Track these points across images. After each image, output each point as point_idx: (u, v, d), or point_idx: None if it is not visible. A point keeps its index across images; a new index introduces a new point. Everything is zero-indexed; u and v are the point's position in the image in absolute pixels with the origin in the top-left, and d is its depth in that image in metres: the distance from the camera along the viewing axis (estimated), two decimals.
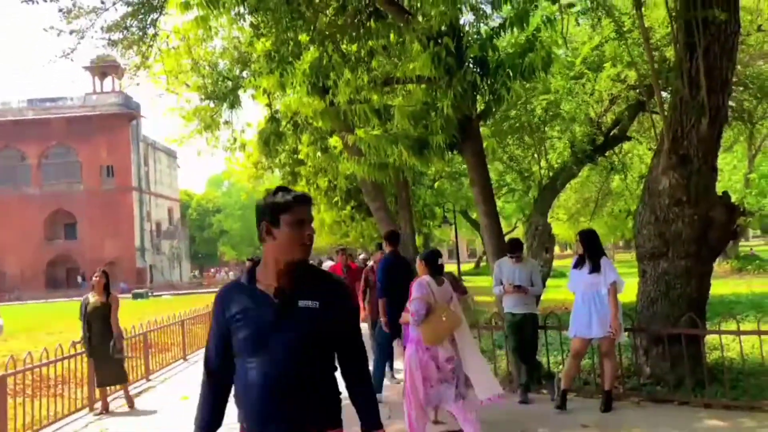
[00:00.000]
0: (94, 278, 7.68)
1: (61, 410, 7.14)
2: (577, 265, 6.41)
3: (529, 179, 15.62)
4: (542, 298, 9.68)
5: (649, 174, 7.21)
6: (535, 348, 7.06)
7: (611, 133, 12.98)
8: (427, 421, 5.17)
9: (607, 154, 14.02)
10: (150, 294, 40.59)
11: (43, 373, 7.13)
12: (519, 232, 25.66)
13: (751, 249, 39.06)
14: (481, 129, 11.35)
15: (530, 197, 16.13)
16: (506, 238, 9.20)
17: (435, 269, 5.19)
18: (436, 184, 25.29)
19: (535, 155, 14.42)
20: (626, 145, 15.49)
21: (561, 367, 7.02)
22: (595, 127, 12.89)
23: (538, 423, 5.88)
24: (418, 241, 27.14)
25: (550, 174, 13.88)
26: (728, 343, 8.09)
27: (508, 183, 18.26)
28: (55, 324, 17.69)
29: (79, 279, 51.74)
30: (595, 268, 6.18)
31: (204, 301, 17.03)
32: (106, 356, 7.37)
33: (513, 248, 6.99)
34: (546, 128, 14.22)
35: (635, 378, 6.79)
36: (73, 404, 7.43)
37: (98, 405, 7.59)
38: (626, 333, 6.48)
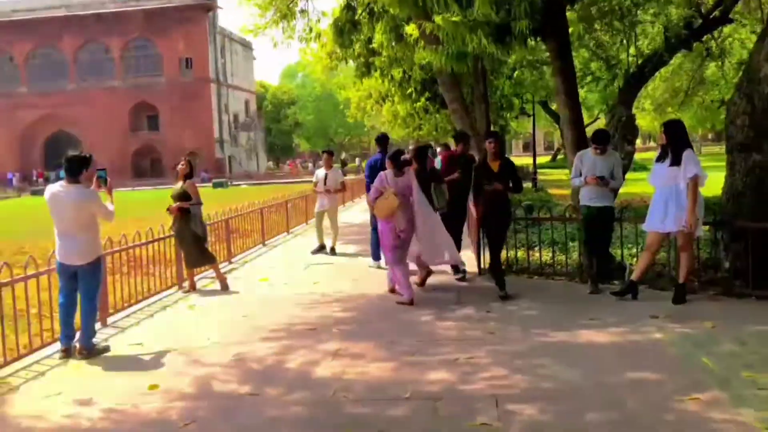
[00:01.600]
0: (179, 166, 8.08)
1: (152, 287, 7.80)
2: (660, 157, 6.21)
3: (616, 67, 14.84)
4: (620, 191, 9.48)
5: (750, 59, 6.71)
6: (609, 241, 7.02)
7: (711, 16, 11.96)
8: (403, 271, 6.88)
9: (704, 39, 13.01)
10: (229, 183, 42.27)
11: (136, 253, 7.73)
12: (601, 124, 24.61)
13: None
14: (567, 14, 10.74)
15: (615, 86, 15.38)
16: (587, 130, 8.91)
17: (397, 165, 6.82)
18: (515, 74, 24.35)
19: (624, 41, 13.59)
20: (727, 29, 14.28)
21: (635, 260, 6.97)
22: (694, 8, 11.90)
23: (607, 312, 5.96)
24: None
25: (639, 62, 13.09)
26: None
27: (592, 71, 17.38)
28: (142, 210, 18.89)
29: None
30: (676, 161, 5.96)
31: (280, 191, 17.65)
32: (184, 239, 7.90)
33: (599, 139, 6.78)
34: (638, 12, 13.26)
35: (712, 272, 6.66)
36: (163, 282, 8.08)
37: (186, 284, 8.21)
38: (706, 227, 6.30)
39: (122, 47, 58.17)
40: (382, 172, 6.97)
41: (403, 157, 6.97)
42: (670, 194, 6.02)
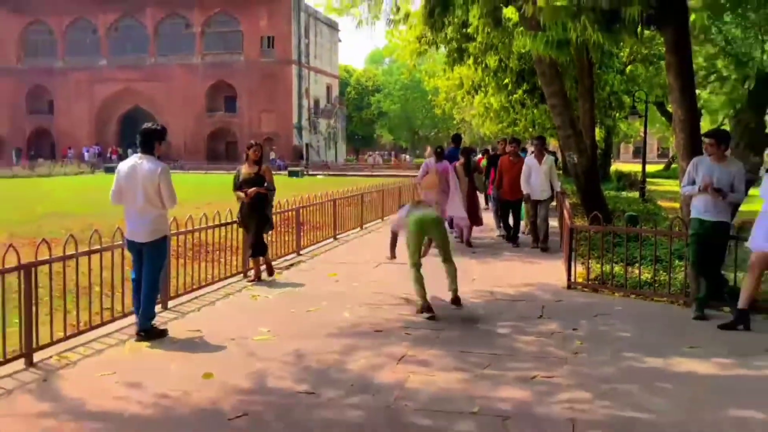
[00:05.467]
0: (250, 151, 8.34)
1: (216, 274, 8.12)
2: None
3: (747, 66, 14.10)
4: (741, 208, 9.04)
5: None
6: (722, 261, 6.73)
7: None
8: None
9: None
10: (305, 172, 43.22)
11: (201, 237, 8.07)
12: (728, 130, 23.52)
13: None
14: (690, 1, 10.34)
15: (745, 88, 14.64)
16: None
17: (438, 156, 10.88)
18: (627, 69, 23.62)
19: (760, 36, 12.93)
20: None
21: None
22: None
23: (712, 341, 5.72)
24: (599, 134, 25.88)
25: None
26: None
27: (717, 70, 16.59)
28: (214, 194, 19.66)
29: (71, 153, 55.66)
30: None
31: (356, 183, 17.91)
32: (252, 227, 8.16)
33: (714, 134, 6.55)
34: None
35: None
36: (228, 269, 8.40)
37: (251, 273, 8.50)
38: None
39: (203, 22, 60.40)
40: (426, 160, 11.64)
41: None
42: None
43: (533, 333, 6.04)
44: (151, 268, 5.87)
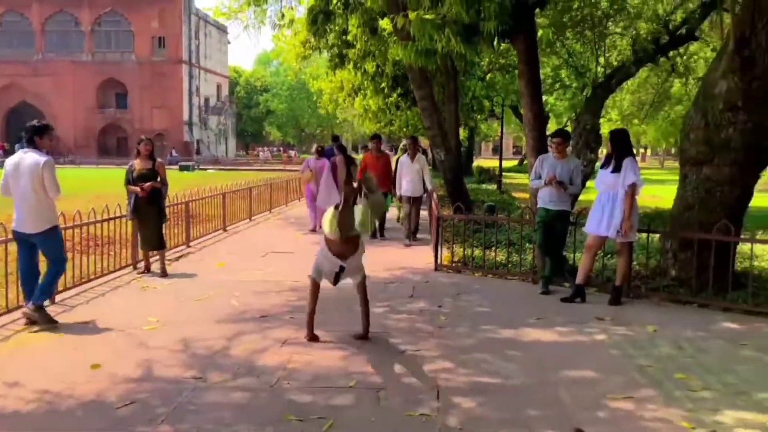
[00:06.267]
0: (141, 146, 7.92)
1: (107, 266, 7.67)
2: (605, 164, 6.41)
3: (585, 76, 15.04)
4: (580, 198, 9.66)
5: (707, 76, 6.89)
6: (563, 244, 7.16)
7: (678, 33, 12.23)
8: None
9: (670, 55, 13.29)
10: (196, 167, 41.72)
11: (90, 231, 7.58)
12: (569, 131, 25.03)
13: None
14: (538, 19, 10.85)
15: (583, 95, 15.61)
16: None
17: (319, 154, 11.98)
18: (487, 76, 24.52)
19: (595, 51, 13.79)
20: (693, 47, 14.63)
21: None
22: (662, 25, 12.15)
23: (555, 312, 6.09)
24: (463, 134, 26.75)
25: (606, 72, 13.33)
26: (762, 254, 8.04)
27: (562, 79, 17.62)
28: (104, 188, 18.53)
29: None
30: (618, 168, 6.17)
31: (246, 177, 17.48)
32: (149, 221, 7.78)
33: (558, 134, 6.96)
34: (609, 23, 13.47)
35: (660, 279, 6.85)
36: (118, 262, 7.96)
37: (141, 265, 8.10)
38: (656, 236, 6.45)
39: (93, 21, 56.82)
40: (307, 159, 12.66)
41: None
42: (608, 200, 6.26)
43: (404, 311, 6.16)
44: (50, 252, 5.65)
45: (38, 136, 5.65)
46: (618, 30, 13.80)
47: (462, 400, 3.98)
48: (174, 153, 50.12)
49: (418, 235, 10.82)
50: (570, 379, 4.38)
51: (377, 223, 11.07)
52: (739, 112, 6.33)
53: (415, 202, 10.66)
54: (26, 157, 5.54)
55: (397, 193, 10.77)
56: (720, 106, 6.41)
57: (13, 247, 5.73)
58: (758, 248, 7.82)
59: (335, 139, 14.11)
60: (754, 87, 6.26)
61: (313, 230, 11.57)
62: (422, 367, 4.59)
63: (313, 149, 13.07)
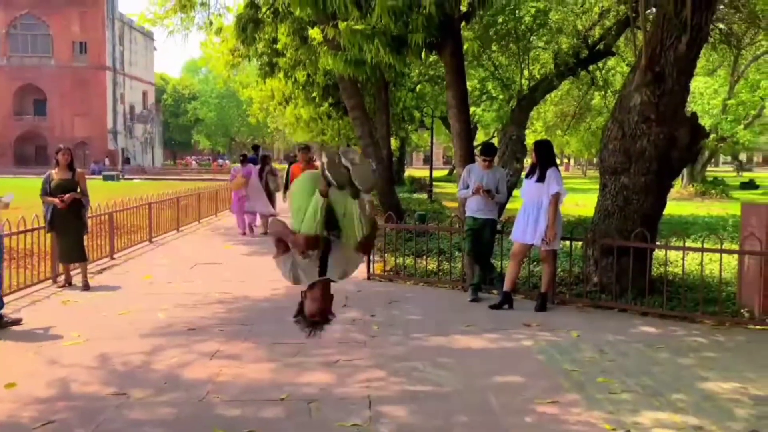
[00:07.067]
0: (59, 155, 7.56)
1: (24, 280, 7.28)
2: (530, 174, 6.60)
3: (511, 89, 15.48)
4: (507, 206, 9.91)
5: (623, 90, 7.23)
6: (491, 252, 7.31)
7: (596, 48, 12.80)
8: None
9: (590, 68, 13.89)
10: (121, 177, 40.26)
11: (6, 243, 7.17)
12: (496, 142, 25.67)
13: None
14: (464, 32, 11.09)
15: (510, 107, 16.05)
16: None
17: (242, 161, 12.85)
18: (417, 87, 24.83)
19: (520, 65, 14.23)
20: (611, 62, 15.32)
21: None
22: (581, 40, 12.69)
23: (484, 319, 6.20)
24: (394, 143, 26.95)
25: (530, 84, 13.77)
26: (676, 260, 8.47)
27: (488, 90, 18.05)
28: (21, 199, 17.57)
29: None
30: (542, 178, 6.37)
31: (174, 187, 16.99)
32: (68, 233, 7.43)
33: (486, 151, 7.08)
34: (532, 37, 13.94)
35: (582, 285, 7.10)
36: (36, 276, 7.56)
37: (61, 278, 7.72)
38: (579, 243, 6.67)
39: (8, 23, 54.05)
40: (236, 166, 13.77)
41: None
42: (533, 208, 6.46)
43: (337, 321, 6.03)
44: None
45: None
46: (541, 44, 14.31)
47: (394, 409, 3.99)
48: (108, 164, 48.14)
49: None
50: (498, 384, 4.46)
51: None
52: (652, 124, 6.67)
53: None
54: None
55: None
56: (635, 118, 6.74)
57: None
58: (672, 254, 8.25)
59: (255, 148, 15.63)
60: (663, 101, 6.62)
61: (243, 234, 12.45)
62: (354, 376, 4.57)
63: (236, 158, 14.02)
